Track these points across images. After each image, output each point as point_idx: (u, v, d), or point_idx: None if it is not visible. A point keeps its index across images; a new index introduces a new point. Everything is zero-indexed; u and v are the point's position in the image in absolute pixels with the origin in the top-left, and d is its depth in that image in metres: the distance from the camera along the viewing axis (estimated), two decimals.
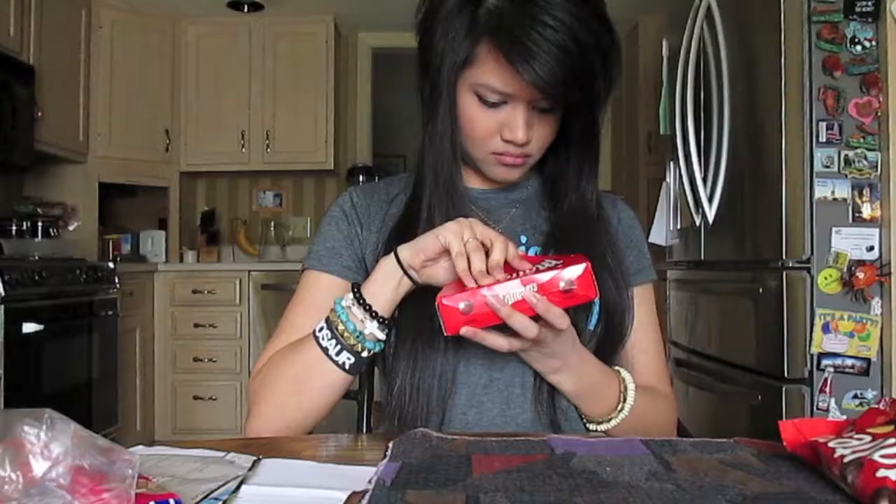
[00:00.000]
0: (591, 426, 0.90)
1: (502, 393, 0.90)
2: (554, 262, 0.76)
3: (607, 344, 0.92)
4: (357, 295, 0.82)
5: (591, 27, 0.78)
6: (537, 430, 0.90)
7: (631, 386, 0.88)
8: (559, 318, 0.74)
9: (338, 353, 0.83)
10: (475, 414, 0.90)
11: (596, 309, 0.90)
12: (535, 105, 0.85)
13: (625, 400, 0.88)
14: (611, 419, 0.88)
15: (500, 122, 0.85)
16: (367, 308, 0.81)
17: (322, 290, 0.94)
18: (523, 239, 0.96)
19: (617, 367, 0.91)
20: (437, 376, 0.87)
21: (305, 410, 0.86)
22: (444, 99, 0.87)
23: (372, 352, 0.84)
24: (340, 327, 0.82)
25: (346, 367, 0.83)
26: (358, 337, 0.82)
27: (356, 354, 0.83)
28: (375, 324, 0.82)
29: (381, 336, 0.83)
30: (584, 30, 0.77)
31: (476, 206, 0.97)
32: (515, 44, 0.77)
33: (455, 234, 0.76)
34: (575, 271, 0.73)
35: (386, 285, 0.81)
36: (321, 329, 0.84)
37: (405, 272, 0.80)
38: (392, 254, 0.81)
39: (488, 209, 0.98)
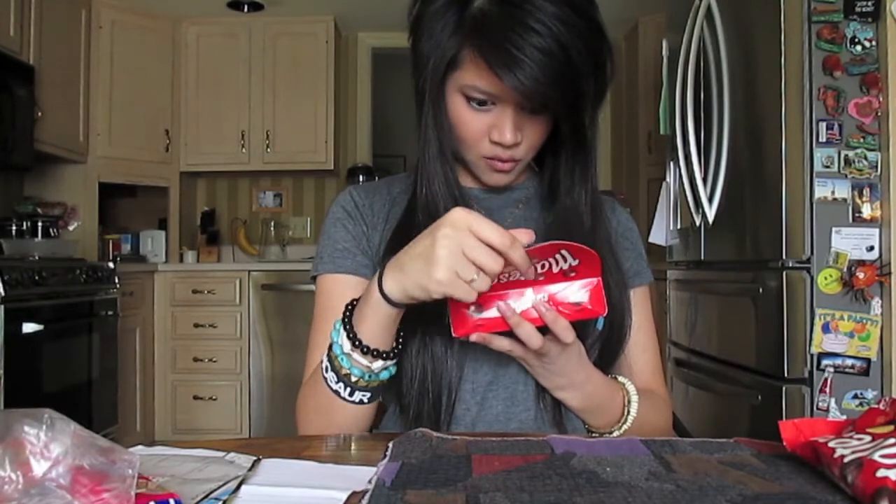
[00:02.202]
0: (594, 436, 0.90)
1: (507, 390, 0.91)
2: (569, 259, 0.74)
3: (610, 346, 0.92)
4: (354, 339, 0.77)
5: (580, 31, 0.76)
6: (540, 427, 0.90)
7: (634, 397, 0.89)
8: (565, 330, 0.74)
9: (351, 394, 0.80)
10: (478, 410, 0.90)
11: None
12: (524, 107, 0.84)
13: (629, 412, 0.88)
14: (613, 430, 0.89)
15: (488, 124, 0.85)
16: (374, 353, 0.77)
17: (342, 293, 0.92)
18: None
19: (621, 379, 0.91)
20: (449, 371, 0.86)
21: (343, 427, 0.85)
22: (432, 101, 0.87)
23: (387, 379, 0.81)
24: (344, 372, 0.79)
25: (365, 401, 0.81)
26: (369, 377, 0.79)
27: (371, 390, 0.81)
28: (381, 362, 0.79)
29: (392, 363, 0.80)
30: (572, 35, 0.75)
31: (479, 206, 0.96)
32: (498, 49, 0.75)
33: (452, 284, 0.67)
34: (587, 285, 0.73)
35: (382, 320, 0.76)
36: (327, 370, 0.80)
37: (396, 305, 0.75)
38: (377, 284, 0.74)
39: (490, 208, 0.97)
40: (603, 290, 0.74)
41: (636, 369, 0.97)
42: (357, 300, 0.80)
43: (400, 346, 0.81)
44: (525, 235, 0.69)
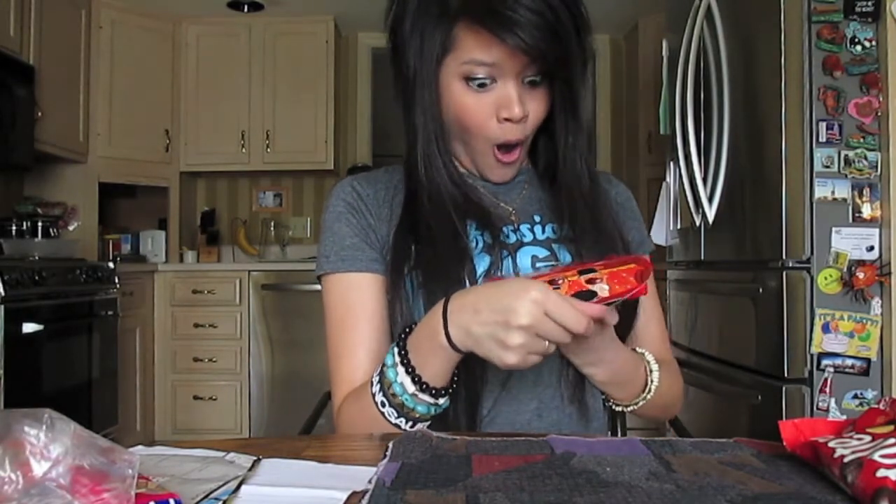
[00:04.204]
0: (618, 408, 0.90)
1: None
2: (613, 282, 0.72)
3: (624, 318, 0.89)
4: (419, 382, 0.76)
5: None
6: (558, 406, 0.90)
7: (655, 367, 0.88)
8: (611, 314, 0.73)
9: (413, 426, 0.79)
10: (500, 391, 0.89)
11: None
12: (524, 77, 0.85)
13: (652, 381, 0.88)
14: (638, 402, 0.88)
15: (493, 104, 0.85)
16: (432, 392, 0.77)
17: (355, 292, 0.90)
18: (537, 218, 0.96)
19: (641, 350, 0.91)
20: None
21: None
22: (426, 93, 0.87)
23: (435, 412, 0.80)
24: (407, 409, 0.78)
25: (405, 426, 0.79)
26: (434, 410, 0.79)
27: (423, 421, 0.79)
28: (446, 397, 0.78)
29: (443, 402, 0.79)
30: (554, 2, 0.79)
31: (486, 190, 0.96)
32: (494, 15, 0.78)
33: (522, 364, 0.71)
34: (630, 266, 0.72)
35: (447, 363, 0.76)
36: (384, 405, 0.78)
37: (461, 351, 0.74)
38: (442, 331, 0.74)
39: (496, 192, 0.97)
40: (648, 270, 0.72)
41: (646, 340, 0.97)
42: (406, 334, 0.79)
43: (453, 386, 0.80)
44: (600, 313, 0.70)
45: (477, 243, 0.90)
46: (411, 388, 0.76)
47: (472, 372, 0.83)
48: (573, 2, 0.82)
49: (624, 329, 0.92)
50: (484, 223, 0.91)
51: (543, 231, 0.95)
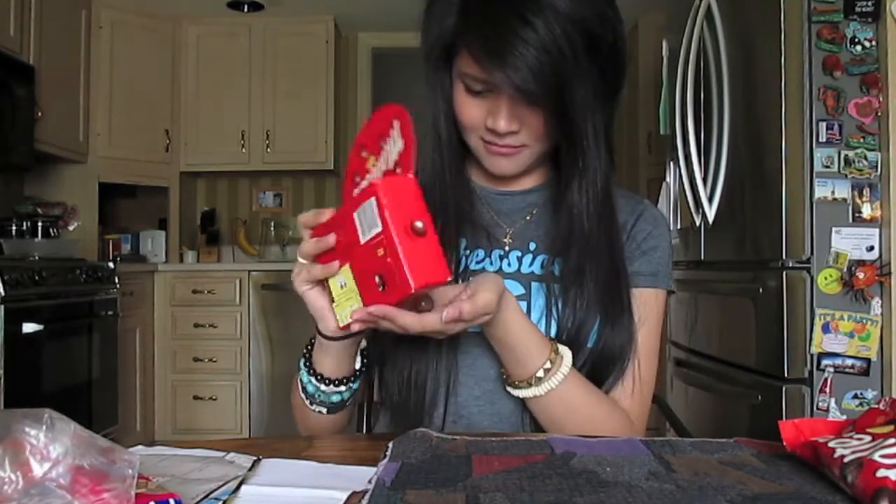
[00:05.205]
0: (509, 388, 0.84)
1: (473, 362, 0.89)
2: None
3: (603, 359, 0.87)
4: (308, 366, 0.84)
5: (565, 31, 0.75)
6: (506, 396, 0.87)
7: (564, 370, 0.81)
8: (406, 320, 0.70)
9: (311, 404, 0.86)
10: (483, 406, 0.89)
11: (596, 327, 0.87)
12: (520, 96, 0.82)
13: (546, 373, 0.80)
14: (531, 386, 0.81)
15: (486, 110, 0.84)
16: (323, 379, 0.84)
17: None
18: (532, 246, 0.93)
19: (563, 348, 0.83)
20: (442, 369, 0.86)
21: (319, 429, 0.91)
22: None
23: (344, 398, 0.85)
24: (310, 389, 0.85)
25: (325, 413, 0.86)
26: (323, 396, 0.85)
27: (329, 405, 0.86)
28: (332, 387, 0.84)
29: (344, 390, 0.85)
30: (560, 36, 0.74)
31: (490, 207, 0.95)
32: (488, 52, 0.76)
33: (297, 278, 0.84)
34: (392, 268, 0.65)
35: (329, 355, 0.83)
36: (299, 382, 0.87)
37: (326, 337, 0.80)
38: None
39: (500, 211, 0.95)
40: (401, 262, 0.65)
41: (626, 377, 0.89)
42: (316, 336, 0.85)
43: (361, 371, 0.86)
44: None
45: (461, 263, 0.90)
46: (315, 382, 0.84)
47: (419, 370, 0.87)
48: (577, 37, 0.76)
49: (604, 360, 0.87)
50: (474, 243, 0.91)
51: (532, 263, 0.91)
